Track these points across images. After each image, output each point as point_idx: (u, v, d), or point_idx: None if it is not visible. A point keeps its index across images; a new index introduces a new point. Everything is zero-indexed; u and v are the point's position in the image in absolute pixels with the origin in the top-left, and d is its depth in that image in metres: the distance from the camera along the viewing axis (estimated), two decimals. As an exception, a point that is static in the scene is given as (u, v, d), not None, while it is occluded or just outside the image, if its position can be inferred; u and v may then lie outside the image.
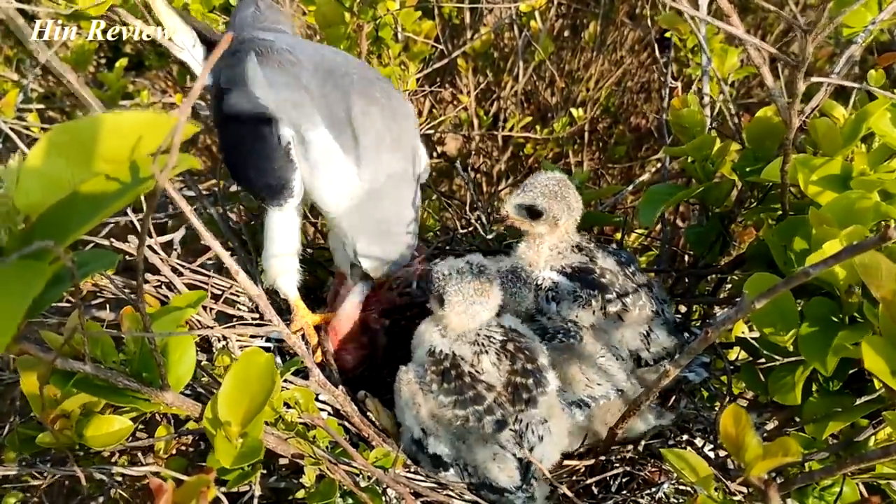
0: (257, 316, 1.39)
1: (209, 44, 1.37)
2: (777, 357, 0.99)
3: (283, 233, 1.29)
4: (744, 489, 0.88)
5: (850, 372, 0.98)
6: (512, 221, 1.21)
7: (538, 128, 2.36)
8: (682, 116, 1.27)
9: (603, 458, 1.16)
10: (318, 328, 1.35)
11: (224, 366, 1.02)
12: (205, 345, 1.30)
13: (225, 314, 1.37)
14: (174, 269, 1.35)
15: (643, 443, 1.18)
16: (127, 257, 1.34)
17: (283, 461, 1.11)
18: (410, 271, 1.30)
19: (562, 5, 2.55)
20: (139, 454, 1.16)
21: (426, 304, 1.12)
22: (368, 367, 1.33)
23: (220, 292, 1.38)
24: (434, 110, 2.41)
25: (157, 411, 0.96)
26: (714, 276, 1.45)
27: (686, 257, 1.67)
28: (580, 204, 1.21)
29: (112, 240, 1.36)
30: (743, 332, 1.38)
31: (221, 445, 0.77)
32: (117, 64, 1.76)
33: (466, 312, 1.05)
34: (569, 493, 1.00)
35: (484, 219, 1.69)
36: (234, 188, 1.71)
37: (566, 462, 1.16)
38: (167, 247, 1.48)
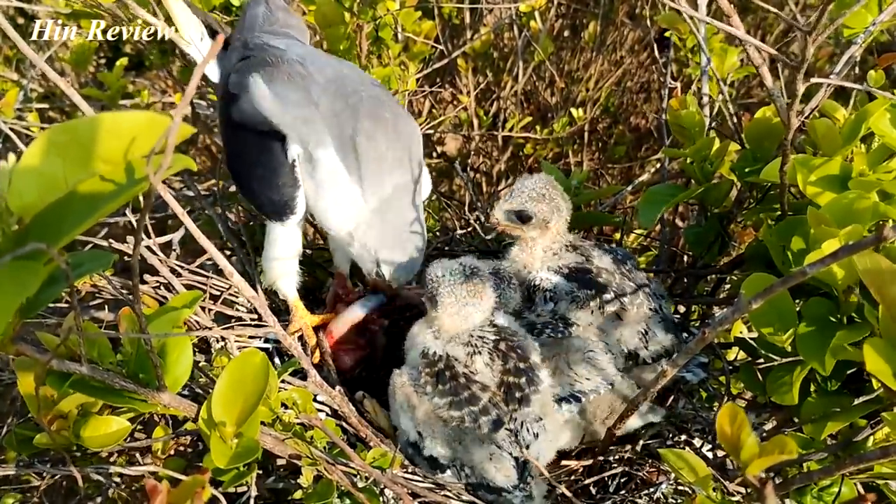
0: (256, 317, 1.39)
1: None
2: (775, 357, 0.99)
3: (284, 240, 1.28)
4: (742, 489, 0.88)
5: (849, 372, 0.98)
6: (503, 228, 1.21)
7: (538, 128, 2.36)
8: (680, 118, 1.27)
9: (601, 458, 1.16)
10: (316, 329, 1.35)
11: (221, 366, 1.02)
12: (203, 345, 1.30)
13: (224, 315, 1.37)
14: (173, 270, 1.35)
15: (641, 443, 1.18)
16: (126, 258, 1.34)
17: (280, 462, 1.10)
18: (413, 294, 1.31)
19: (562, 5, 2.55)
20: (137, 455, 1.16)
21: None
22: (366, 368, 1.32)
23: (218, 293, 1.38)
24: (434, 110, 2.41)
25: (155, 412, 0.97)
26: (713, 276, 1.45)
27: (685, 257, 1.67)
28: (569, 203, 1.21)
29: (111, 240, 1.36)
30: (741, 333, 1.38)
31: (216, 446, 0.77)
32: (117, 64, 1.76)
33: (459, 314, 1.05)
34: (567, 494, 1.00)
35: (483, 219, 1.69)
36: (233, 188, 1.71)
37: (564, 462, 1.16)
38: (166, 247, 1.48)
